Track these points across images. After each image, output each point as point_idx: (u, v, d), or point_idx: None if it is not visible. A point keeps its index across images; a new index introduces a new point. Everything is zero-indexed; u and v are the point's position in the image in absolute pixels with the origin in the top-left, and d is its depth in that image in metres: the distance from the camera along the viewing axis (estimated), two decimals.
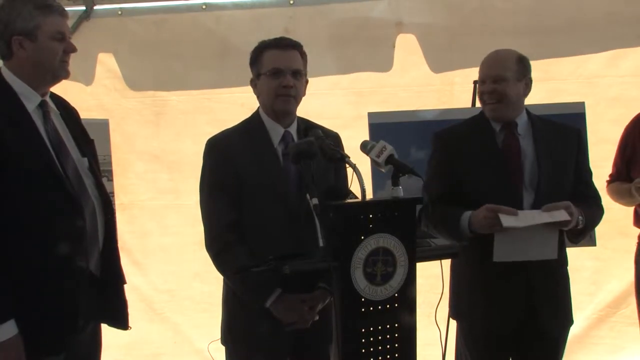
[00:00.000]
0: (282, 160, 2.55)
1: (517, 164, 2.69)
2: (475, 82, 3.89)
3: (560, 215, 2.55)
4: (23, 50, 2.27)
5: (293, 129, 2.62)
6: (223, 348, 2.68)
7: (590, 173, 2.86)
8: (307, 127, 2.52)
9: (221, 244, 2.54)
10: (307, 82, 2.66)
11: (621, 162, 3.31)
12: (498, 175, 2.68)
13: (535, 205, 2.63)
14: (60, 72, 2.34)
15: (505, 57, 2.73)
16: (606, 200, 3.41)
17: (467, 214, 2.60)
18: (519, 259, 2.57)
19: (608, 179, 3.31)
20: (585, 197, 2.74)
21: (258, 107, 2.67)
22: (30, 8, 2.26)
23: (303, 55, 2.62)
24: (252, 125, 2.64)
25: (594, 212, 2.75)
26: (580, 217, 2.61)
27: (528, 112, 2.79)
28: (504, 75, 2.69)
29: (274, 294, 2.47)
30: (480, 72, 2.75)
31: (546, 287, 2.68)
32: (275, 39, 2.62)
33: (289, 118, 2.62)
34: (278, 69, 2.55)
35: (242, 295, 2.56)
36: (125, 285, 2.54)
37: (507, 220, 2.50)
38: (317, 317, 2.51)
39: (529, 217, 2.54)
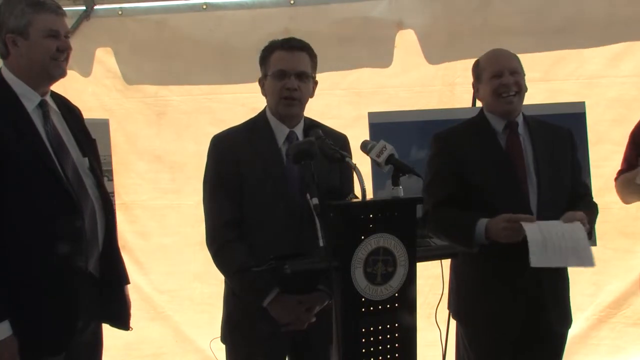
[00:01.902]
0: (286, 160, 2.55)
1: (522, 164, 2.69)
2: None
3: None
4: (17, 48, 2.28)
5: (299, 129, 2.62)
6: (224, 347, 2.68)
7: (581, 170, 2.89)
8: (308, 127, 2.53)
9: (221, 242, 2.55)
10: (316, 83, 2.66)
11: (631, 155, 3.23)
12: (505, 176, 2.67)
13: (540, 205, 2.64)
14: (55, 71, 2.32)
15: (511, 53, 2.77)
16: (607, 200, 3.42)
17: (484, 221, 2.57)
18: (555, 265, 2.53)
19: (616, 176, 3.26)
20: (582, 196, 2.78)
21: (265, 106, 2.67)
22: (23, 6, 2.27)
23: (312, 56, 2.62)
24: (257, 124, 2.65)
25: (593, 211, 2.78)
26: (588, 225, 2.62)
27: (522, 113, 2.80)
28: (519, 68, 2.73)
29: (271, 294, 2.47)
30: (494, 66, 2.72)
31: (553, 286, 2.69)
32: (284, 40, 2.62)
33: (295, 120, 2.62)
34: (283, 70, 2.55)
35: (240, 294, 2.57)
36: (128, 285, 2.55)
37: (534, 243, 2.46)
38: (313, 319, 2.51)
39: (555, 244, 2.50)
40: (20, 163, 2.18)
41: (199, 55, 4.34)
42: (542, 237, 2.48)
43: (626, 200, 3.21)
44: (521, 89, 2.72)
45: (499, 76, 2.70)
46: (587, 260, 2.56)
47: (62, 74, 2.35)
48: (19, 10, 2.26)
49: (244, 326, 2.57)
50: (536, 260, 2.47)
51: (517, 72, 2.72)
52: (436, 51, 4.21)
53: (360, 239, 2.04)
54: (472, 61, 2.88)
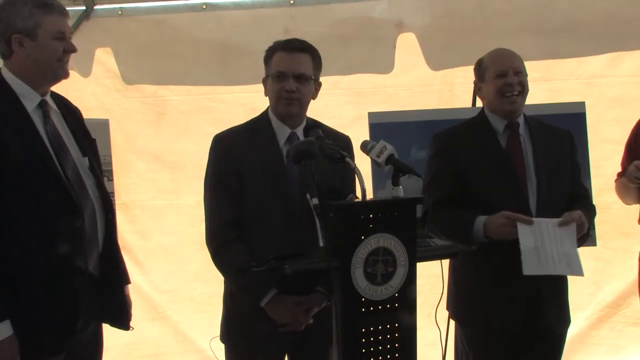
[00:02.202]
0: (287, 160, 2.55)
1: (522, 165, 2.70)
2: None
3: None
4: (23, 48, 2.27)
5: (300, 130, 2.61)
6: (224, 346, 2.68)
7: (580, 172, 2.90)
8: (309, 127, 2.52)
9: (220, 241, 2.55)
10: (319, 84, 2.65)
11: (628, 162, 3.26)
12: (505, 176, 2.67)
13: (539, 205, 2.64)
14: (59, 72, 2.33)
15: (514, 53, 2.77)
16: (607, 200, 3.41)
17: (482, 219, 2.57)
18: (547, 273, 2.54)
19: (616, 177, 3.28)
20: (580, 197, 2.78)
21: (268, 107, 2.67)
22: (30, 7, 2.26)
23: (315, 58, 2.61)
24: (259, 124, 2.65)
25: (591, 212, 2.79)
26: (587, 224, 2.62)
27: (523, 113, 2.80)
28: (522, 68, 2.73)
29: (269, 294, 2.47)
30: (498, 65, 2.72)
31: (552, 286, 2.68)
32: (286, 41, 2.62)
33: (296, 120, 2.62)
34: (282, 72, 2.55)
35: (239, 294, 2.57)
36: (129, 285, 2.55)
37: (526, 248, 2.48)
38: (311, 321, 2.50)
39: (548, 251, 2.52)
40: (20, 163, 2.18)
41: (199, 55, 4.34)
42: (535, 245, 2.50)
43: (627, 202, 3.23)
44: (524, 89, 2.72)
45: (503, 76, 2.70)
46: (577, 269, 2.58)
47: (66, 75, 2.36)
48: (27, 11, 2.25)
49: (243, 326, 2.57)
50: (528, 269, 2.50)
51: (520, 72, 2.72)
52: (436, 51, 4.20)
53: (360, 239, 2.04)
54: (472, 61, 2.88)
